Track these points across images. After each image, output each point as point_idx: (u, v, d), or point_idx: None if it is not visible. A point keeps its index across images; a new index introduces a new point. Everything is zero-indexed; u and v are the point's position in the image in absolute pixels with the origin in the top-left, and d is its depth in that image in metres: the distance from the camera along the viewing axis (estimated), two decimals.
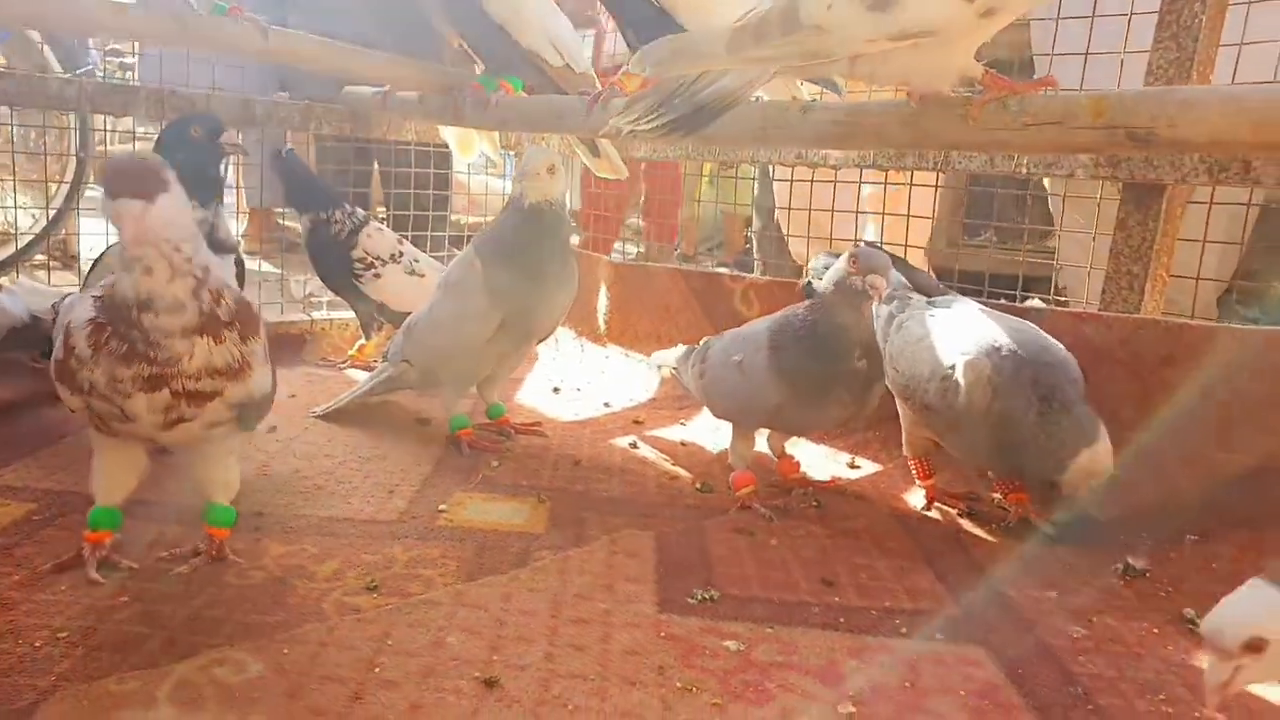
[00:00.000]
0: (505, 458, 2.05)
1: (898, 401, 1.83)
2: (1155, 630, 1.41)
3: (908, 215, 2.35)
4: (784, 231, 3.29)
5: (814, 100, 1.67)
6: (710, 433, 2.29)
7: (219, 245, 2.01)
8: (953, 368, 1.62)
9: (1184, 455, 1.73)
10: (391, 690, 1.13)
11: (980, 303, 1.87)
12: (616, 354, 2.90)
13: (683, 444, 2.23)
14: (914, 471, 1.89)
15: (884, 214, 2.71)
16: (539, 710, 1.12)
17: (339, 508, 1.71)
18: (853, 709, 1.16)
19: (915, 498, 1.90)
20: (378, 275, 2.71)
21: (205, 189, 1.94)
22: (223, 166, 2.12)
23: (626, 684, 1.19)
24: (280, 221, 4.54)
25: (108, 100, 2.64)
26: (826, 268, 2.13)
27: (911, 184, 2.28)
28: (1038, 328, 1.69)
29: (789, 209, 2.75)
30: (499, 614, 1.34)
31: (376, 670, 1.17)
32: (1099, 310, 1.92)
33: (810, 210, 2.57)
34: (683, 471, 2.04)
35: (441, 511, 1.72)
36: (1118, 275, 1.88)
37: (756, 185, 3.64)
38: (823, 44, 1.28)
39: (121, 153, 1.25)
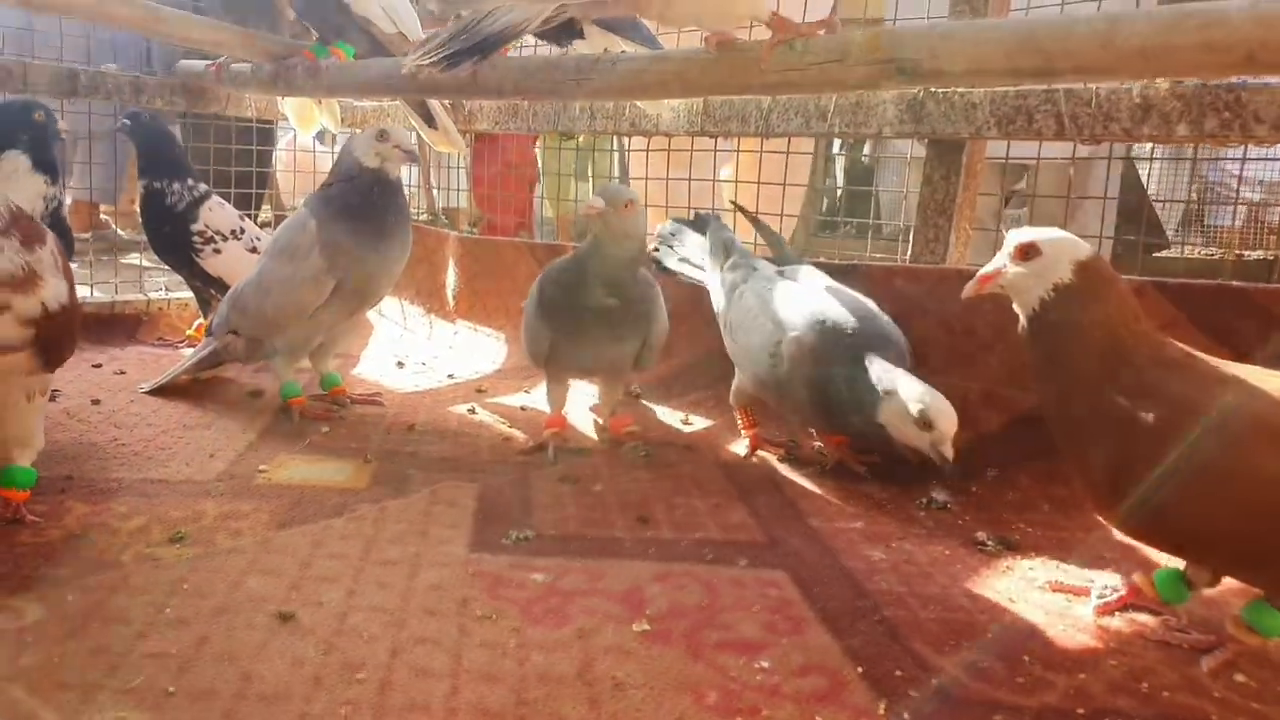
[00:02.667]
0: (338, 425, 2.03)
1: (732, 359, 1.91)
2: (947, 552, 1.50)
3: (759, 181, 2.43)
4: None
5: (623, 52, 1.73)
6: None
7: (60, 220, 2.12)
8: (779, 343, 1.72)
9: (984, 395, 1.85)
10: (179, 629, 1.12)
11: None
12: (465, 329, 2.90)
13: (522, 409, 2.26)
14: (739, 421, 1.96)
15: (740, 181, 2.79)
16: (334, 640, 1.12)
17: (155, 471, 1.67)
18: (647, 626, 1.20)
19: (739, 447, 1.97)
20: (218, 250, 2.63)
21: (52, 169, 2.09)
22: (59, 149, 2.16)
23: (426, 614, 1.20)
24: (104, 219, 4.31)
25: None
26: (674, 234, 2.19)
27: (763, 151, 2.36)
28: (868, 300, 1.79)
29: (645, 179, 2.81)
30: (306, 558, 1.34)
31: (167, 612, 1.16)
32: (909, 263, 2.03)
33: (667, 180, 2.63)
34: (518, 433, 2.06)
35: (261, 472, 1.70)
36: (925, 229, 2.00)
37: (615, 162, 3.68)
38: None
39: None
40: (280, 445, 1.86)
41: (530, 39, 2.09)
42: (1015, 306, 1.26)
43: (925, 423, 1.52)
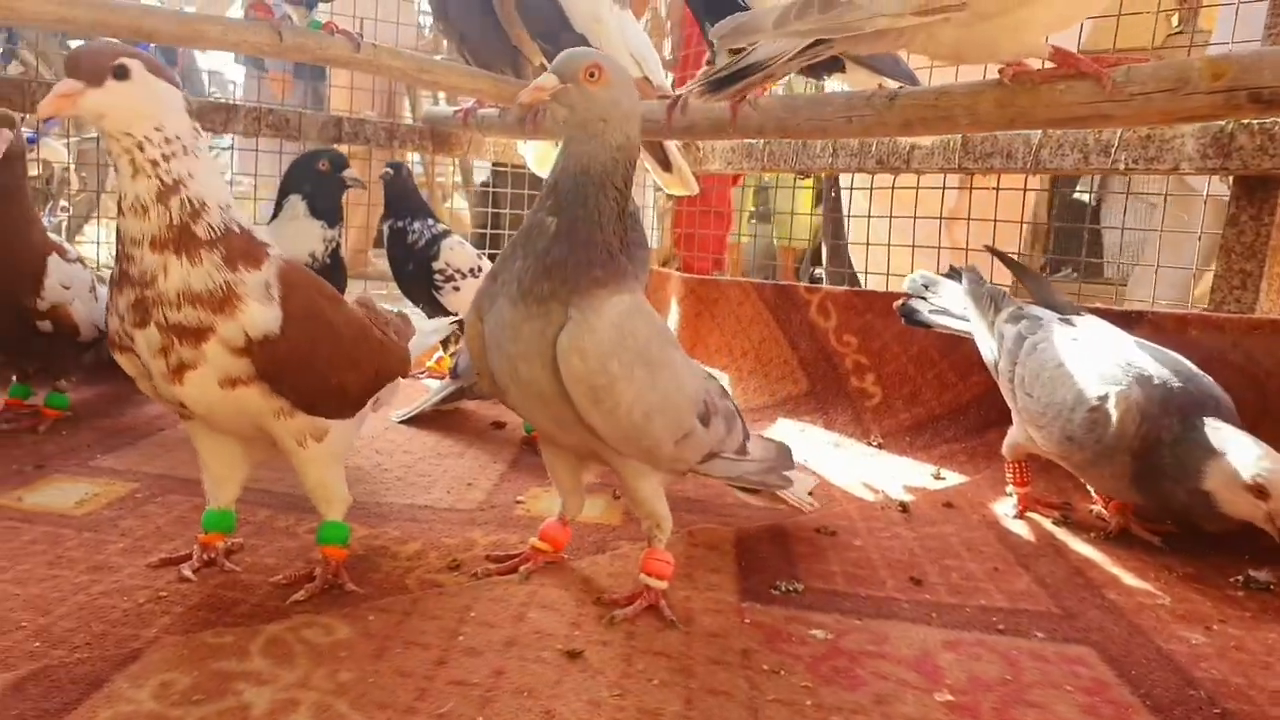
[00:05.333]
0: None
1: (1013, 412, 1.77)
2: None
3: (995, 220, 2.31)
4: (849, 240, 3.24)
5: (900, 88, 1.66)
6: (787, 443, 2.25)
7: (338, 262, 2.25)
8: (1101, 399, 1.55)
9: None
10: (474, 657, 1.12)
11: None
12: None
13: None
14: (1010, 476, 1.82)
15: (952, 218, 2.67)
16: (623, 683, 1.09)
17: (420, 497, 1.72)
18: (950, 697, 1.11)
19: (1004, 507, 1.83)
20: (456, 288, 2.74)
21: (330, 214, 2.21)
22: (343, 196, 2.28)
23: (711, 663, 1.16)
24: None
25: (209, 117, 2.75)
26: (927, 284, 2.07)
27: (999, 188, 2.24)
28: (1176, 354, 1.63)
29: (867, 218, 2.73)
30: (579, 595, 1.33)
31: (460, 639, 1.16)
32: (1207, 311, 1.84)
33: (891, 217, 2.54)
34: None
35: (519, 503, 1.72)
36: (1229, 275, 1.80)
37: (824, 196, 3.60)
38: (854, 18, 1.34)
39: (95, 43, 1.18)
40: (530, 478, 1.88)
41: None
42: None
43: (1261, 491, 1.35)
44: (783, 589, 1.39)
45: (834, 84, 2.11)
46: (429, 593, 1.30)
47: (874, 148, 2.27)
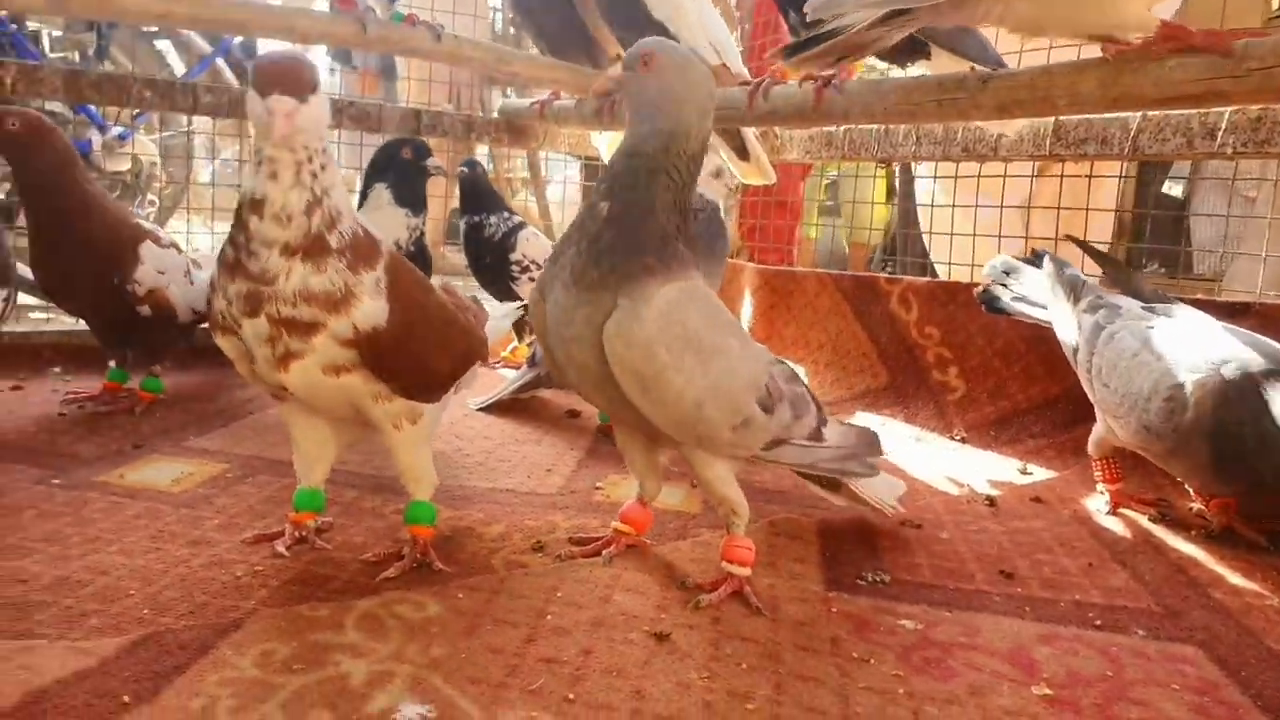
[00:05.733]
0: None
1: (1097, 407, 1.72)
2: None
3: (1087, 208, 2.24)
4: (926, 230, 3.17)
5: (995, 70, 1.61)
6: None
7: (423, 249, 2.29)
8: (1177, 387, 1.50)
9: None
10: (563, 636, 1.13)
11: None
12: None
13: None
14: (1099, 474, 1.77)
15: (1035, 207, 2.59)
16: (711, 666, 1.08)
17: (501, 481, 1.73)
18: (1049, 691, 1.08)
19: (1096, 503, 1.78)
20: (532, 279, 2.77)
21: (415, 202, 2.23)
22: (426, 184, 2.32)
23: (799, 650, 1.14)
24: None
25: None
26: (1008, 270, 2.02)
27: (1091, 175, 2.17)
28: (1265, 338, 1.56)
29: (951, 207, 2.67)
30: (663, 579, 1.32)
31: (547, 618, 1.17)
32: None
33: (976, 208, 2.48)
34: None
35: (598, 489, 1.72)
36: None
37: (898, 183, 3.54)
38: None
39: (274, 51, 1.17)
40: (608, 465, 1.88)
41: None
42: None
43: None
44: (869, 579, 1.37)
45: (918, 71, 2.07)
46: (515, 573, 1.31)
47: (959, 134, 2.22)
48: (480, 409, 2.31)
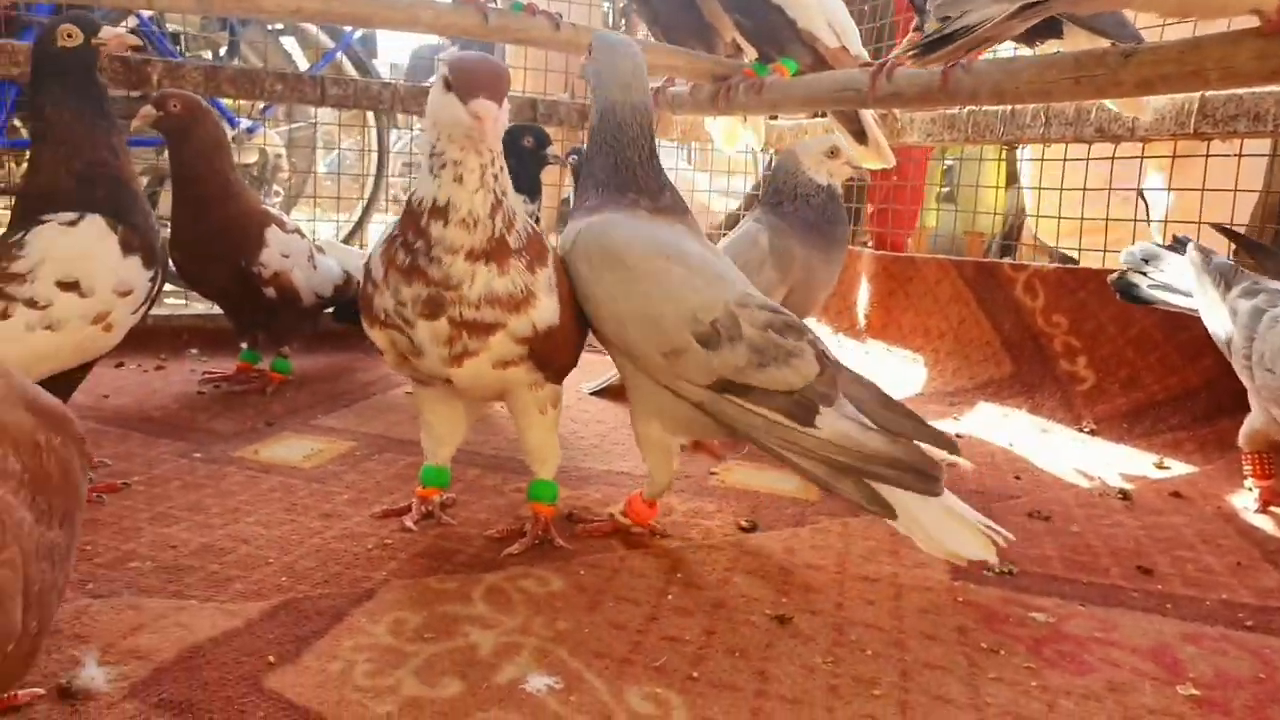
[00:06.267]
0: None
1: (1251, 395, 1.62)
2: None
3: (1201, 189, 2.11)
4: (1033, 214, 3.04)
5: (1135, 45, 1.53)
6: (988, 427, 2.16)
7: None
8: None
9: None
10: (685, 617, 1.13)
11: None
12: (878, 349, 2.80)
13: (958, 436, 2.10)
14: (1249, 469, 1.66)
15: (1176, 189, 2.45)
16: (835, 651, 1.07)
17: (617, 464, 1.75)
18: (1195, 691, 1.02)
19: (1243, 500, 1.68)
20: None
21: (532, 189, 2.30)
22: (542, 171, 2.39)
23: (925, 638, 1.12)
24: None
25: (416, 101, 2.89)
26: (1147, 258, 1.92)
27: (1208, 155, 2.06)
28: None
29: (1060, 190, 2.55)
30: (783, 563, 1.31)
31: (668, 598, 1.17)
32: None
33: (1109, 189, 2.37)
34: (961, 460, 1.90)
35: (713, 474, 1.72)
36: None
37: (1022, 167, 3.39)
38: None
39: (468, 53, 1.18)
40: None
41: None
42: None
43: None
44: (996, 570, 1.33)
45: (1051, 50, 1.98)
46: (634, 553, 1.32)
47: (1093, 114, 2.12)
48: (592, 393, 2.33)
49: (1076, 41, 1.83)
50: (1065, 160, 2.59)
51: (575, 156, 2.82)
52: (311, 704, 0.90)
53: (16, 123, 3.11)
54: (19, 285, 1.40)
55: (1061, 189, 2.54)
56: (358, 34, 3.98)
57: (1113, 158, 2.36)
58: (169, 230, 2.03)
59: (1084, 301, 2.25)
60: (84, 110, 1.52)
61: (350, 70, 3.98)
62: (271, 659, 0.98)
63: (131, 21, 3.12)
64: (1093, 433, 2.09)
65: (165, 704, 0.89)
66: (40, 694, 0.88)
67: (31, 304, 1.40)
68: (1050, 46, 1.93)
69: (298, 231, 2.21)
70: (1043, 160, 2.76)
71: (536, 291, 1.19)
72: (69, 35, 1.52)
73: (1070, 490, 1.73)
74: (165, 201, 2.20)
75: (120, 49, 1.58)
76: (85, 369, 1.54)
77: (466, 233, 1.14)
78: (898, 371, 2.63)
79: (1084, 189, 2.43)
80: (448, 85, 1.10)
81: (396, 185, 4.75)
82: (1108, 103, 2.07)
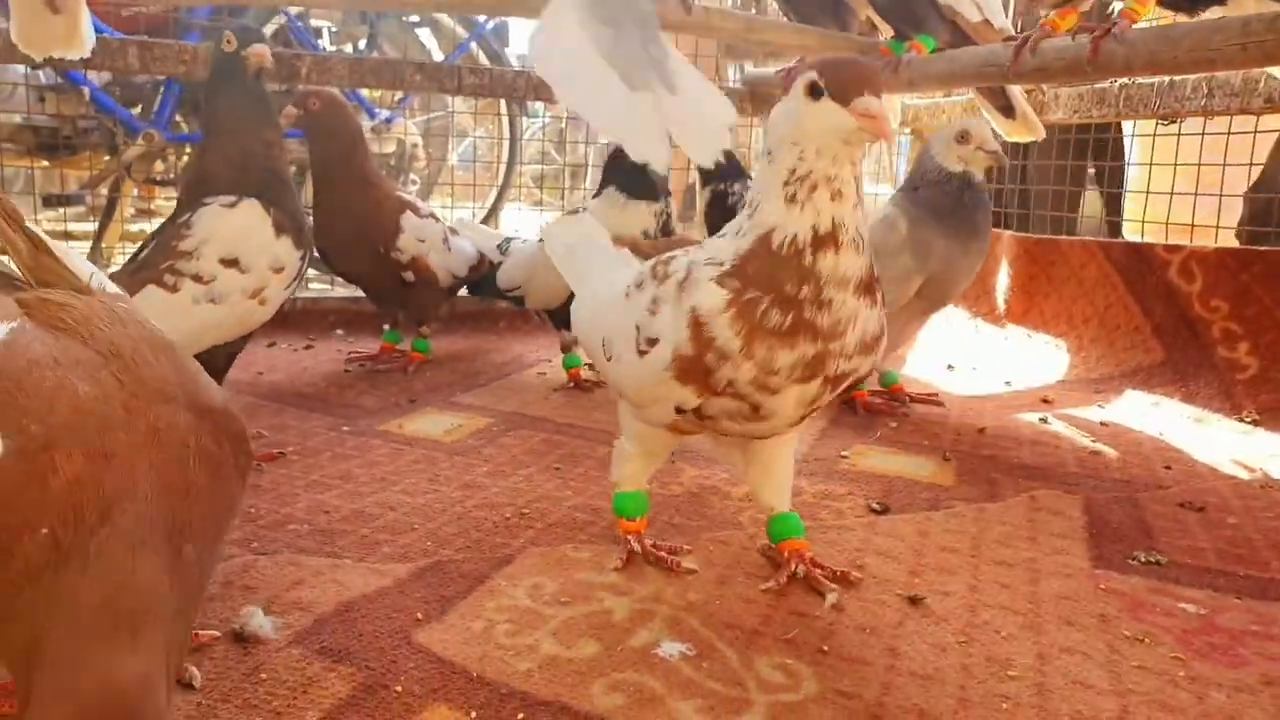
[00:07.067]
0: (903, 422, 1.99)
1: None
2: None
3: None
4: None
5: None
6: (1136, 416, 2.06)
7: (671, 233, 2.29)
8: None
9: None
10: (813, 594, 1.13)
11: None
12: (1017, 335, 2.70)
13: (1103, 424, 2.02)
14: None
15: None
16: (968, 632, 1.06)
17: None
18: None
19: None
20: None
21: (651, 192, 2.19)
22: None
23: (1063, 623, 1.09)
24: None
25: (545, 91, 2.96)
26: None
27: None
28: None
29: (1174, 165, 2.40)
30: (915, 546, 1.30)
31: (797, 575, 1.18)
32: None
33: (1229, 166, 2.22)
34: (1105, 448, 1.84)
35: (844, 457, 1.71)
36: None
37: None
38: None
39: (830, 56, 1.03)
40: (852, 435, 1.86)
41: None
42: None
43: None
44: (1142, 559, 1.28)
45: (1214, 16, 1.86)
46: (763, 531, 1.32)
47: (1261, 84, 1.98)
48: None
49: (1243, 5, 1.72)
50: (1180, 135, 2.44)
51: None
52: (456, 659, 0.96)
53: (178, 118, 3.33)
54: (186, 261, 1.52)
55: (1175, 164, 2.40)
56: (490, 24, 4.09)
57: (1228, 132, 2.22)
58: (312, 219, 2.15)
59: (1247, 285, 2.11)
60: (248, 107, 1.64)
61: (484, 60, 4.10)
62: (419, 616, 1.04)
63: (280, 19, 3.30)
64: (1255, 423, 1.96)
65: (326, 651, 0.96)
66: (217, 636, 0.97)
67: (197, 279, 1.52)
68: (1214, 12, 1.82)
69: (432, 216, 2.30)
70: (1154, 135, 2.62)
71: (879, 328, 1.05)
72: (229, 41, 1.64)
73: (1228, 481, 1.64)
74: (308, 191, 2.32)
75: (259, 64, 1.68)
76: (243, 340, 1.66)
77: (856, 255, 0.99)
78: (1039, 358, 2.54)
79: (1199, 164, 2.29)
80: (813, 92, 0.97)
81: (526, 173, 4.87)
82: (1276, 71, 1.93)
